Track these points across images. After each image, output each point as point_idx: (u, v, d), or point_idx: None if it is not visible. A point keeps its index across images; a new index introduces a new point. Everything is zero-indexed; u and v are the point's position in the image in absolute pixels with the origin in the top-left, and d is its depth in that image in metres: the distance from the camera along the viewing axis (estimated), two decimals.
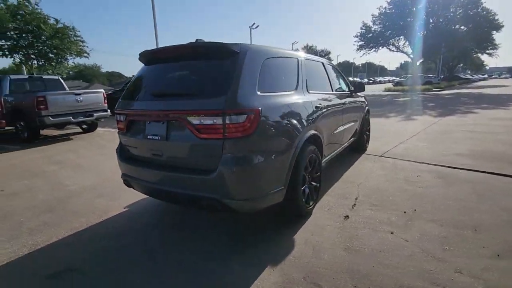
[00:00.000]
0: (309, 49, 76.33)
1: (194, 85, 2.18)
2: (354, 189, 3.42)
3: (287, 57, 2.78)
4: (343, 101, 3.81)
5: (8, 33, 15.59)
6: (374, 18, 31.63)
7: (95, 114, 7.98)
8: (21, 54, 17.37)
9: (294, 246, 2.30)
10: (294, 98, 2.54)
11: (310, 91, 2.93)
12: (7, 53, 16.87)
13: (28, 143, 7.32)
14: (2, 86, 8.02)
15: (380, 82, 58.35)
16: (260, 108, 2.04)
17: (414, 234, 2.41)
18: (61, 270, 2.11)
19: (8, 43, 15.89)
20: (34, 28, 15.55)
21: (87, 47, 18.42)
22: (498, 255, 2.08)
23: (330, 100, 3.38)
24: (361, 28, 32.96)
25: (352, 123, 4.30)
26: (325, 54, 76.57)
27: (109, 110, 8.31)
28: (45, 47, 16.65)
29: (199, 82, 2.17)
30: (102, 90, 8.59)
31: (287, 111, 2.36)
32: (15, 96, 7.78)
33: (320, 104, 2.97)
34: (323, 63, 3.64)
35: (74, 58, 18.44)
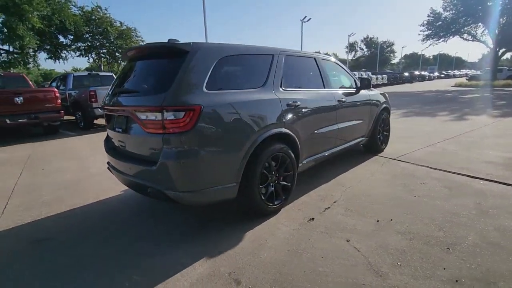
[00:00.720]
0: (369, 41, 71.26)
1: (147, 83, 2.35)
2: (339, 192, 3.24)
3: (255, 54, 2.77)
4: (340, 98, 3.60)
5: (84, 36, 18.15)
6: (445, 4, 27.84)
7: None
8: (94, 53, 20.07)
9: (240, 242, 2.33)
10: (255, 96, 2.53)
11: (285, 89, 2.87)
12: (83, 53, 19.71)
13: (84, 131, 8.55)
14: (67, 82, 9.51)
15: (454, 76, 51.48)
16: (201, 105, 2.11)
17: (372, 244, 2.23)
18: (43, 238, 2.54)
19: (84, 44, 18.52)
20: (104, 30, 17.80)
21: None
22: (456, 281, 1.81)
23: (316, 98, 3.25)
24: (428, 16, 29.36)
25: (357, 122, 4.02)
26: (387, 45, 70.65)
27: None
28: (113, 47, 18.94)
29: (151, 80, 2.33)
30: None
31: (241, 109, 2.37)
32: (76, 91, 9.16)
33: (297, 102, 2.88)
34: (315, 59, 3.48)
35: None
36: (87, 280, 1.97)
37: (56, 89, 7.89)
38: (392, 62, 78.92)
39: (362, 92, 4.18)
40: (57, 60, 18.89)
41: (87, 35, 18.51)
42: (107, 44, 19.28)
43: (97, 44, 19.23)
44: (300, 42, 32.33)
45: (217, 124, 2.23)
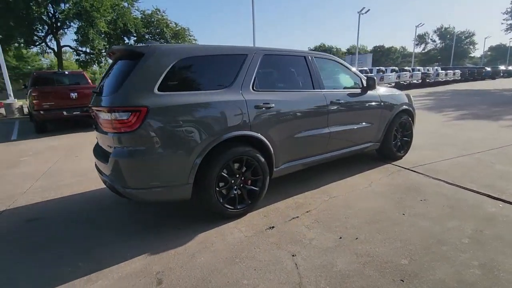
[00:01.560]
0: (443, 31, 63.15)
1: (108, 84, 2.49)
2: (319, 201, 3.01)
3: (223, 54, 2.71)
4: (334, 100, 3.30)
5: (145, 37, 20.02)
6: None
7: None
8: None
9: (188, 242, 2.35)
10: (215, 97, 2.48)
11: (257, 89, 2.76)
12: None
13: None
14: None
15: None
16: (148, 106, 2.18)
17: (316, 263, 2.03)
18: (34, 218, 2.94)
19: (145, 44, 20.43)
20: (161, 31, 19.37)
21: (198, 43, 21.64)
22: None
23: (299, 99, 3.04)
24: None
25: (360, 125, 3.65)
26: (466, 36, 61.72)
27: None
28: None
29: (111, 81, 2.46)
30: None
31: (195, 110, 2.37)
32: None
33: (269, 103, 2.75)
34: (306, 58, 3.24)
35: None
36: (44, 259, 2.22)
37: None
38: (472, 55, 68.48)
39: (370, 93, 3.76)
40: None
41: (147, 36, 20.36)
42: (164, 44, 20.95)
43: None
44: (357, 36, 30.36)
45: (166, 125, 2.27)
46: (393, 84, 20.33)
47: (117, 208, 3.11)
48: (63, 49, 18.15)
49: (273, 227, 2.55)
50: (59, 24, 14.85)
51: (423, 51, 67.32)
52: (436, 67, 30.26)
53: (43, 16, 14.23)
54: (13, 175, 4.46)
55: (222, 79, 2.63)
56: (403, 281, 1.82)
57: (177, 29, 20.10)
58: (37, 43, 16.27)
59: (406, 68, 25.79)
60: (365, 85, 3.69)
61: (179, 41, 20.25)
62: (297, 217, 2.71)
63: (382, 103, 3.87)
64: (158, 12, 19.58)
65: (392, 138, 4.09)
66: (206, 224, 2.62)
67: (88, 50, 18.96)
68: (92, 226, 2.73)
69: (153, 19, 19.06)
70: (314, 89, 3.23)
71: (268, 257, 2.12)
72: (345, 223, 2.55)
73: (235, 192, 2.67)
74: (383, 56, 63.42)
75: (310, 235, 2.39)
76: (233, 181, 2.65)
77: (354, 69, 3.73)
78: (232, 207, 2.66)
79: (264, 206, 2.95)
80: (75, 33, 15.18)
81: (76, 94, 8.04)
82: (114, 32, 16.86)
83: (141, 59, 2.30)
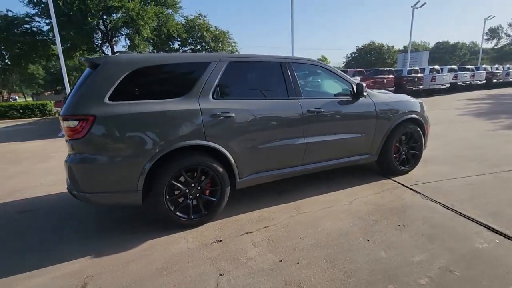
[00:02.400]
0: None
1: (71, 93, 2.63)
2: (283, 217, 2.82)
3: (182, 63, 2.70)
4: (313, 108, 3.07)
5: (188, 40, 21.11)
6: None
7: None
8: None
9: (133, 249, 2.40)
10: (168, 106, 2.48)
11: (218, 98, 2.69)
12: None
13: None
14: None
15: None
16: (95, 115, 2.28)
17: (239, 286, 1.90)
18: (28, 209, 3.29)
19: (187, 48, 21.55)
20: (202, 35, 20.22)
21: (237, 46, 22.05)
22: None
23: (267, 108, 2.89)
24: None
25: (349, 136, 3.33)
26: None
27: None
28: (209, 50, 21.30)
29: (73, 91, 2.59)
30: (359, 78, 12.40)
31: (145, 119, 2.40)
32: None
33: (229, 112, 2.66)
34: (282, 64, 3.05)
35: None
36: (4, 249, 2.47)
37: None
38: None
39: (362, 100, 3.41)
40: None
41: (190, 40, 21.43)
42: (207, 48, 21.78)
43: (199, 47, 22.03)
44: (410, 32, 27.87)
45: (114, 133, 2.35)
46: (448, 85, 18.23)
47: (85, 210, 3.28)
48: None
49: (220, 241, 2.47)
50: (113, 33, 16.50)
51: (495, 47, 58.86)
52: (508, 65, 26.16)
53: (100, 26, 15.94)
54: (38, 169, 5.08)
55: (179, 88, 2.63)
56: None
57: (217, 32, 20.77)
58: (96, 49, 18.29)
59: (469, 66, 22.83)
60: (355, 92, 3.36)
61: (219, 44, 20.90)
62: (251, 232, 2.59)
63: (378, 112, 3.47)
64: (200, 17, 20.49)
65: (392, 150, 3.65)
66: (161, 231, 2.64)
67: None
68: (63, 223, 2.96)
69: (194, 24, 19.98)
70: (288, 97, 3.03)
71: (196, 273, 2.06)
72: (296, 244, 2.35)
73: (189, 201, 2.65)
74: (446, 54, 57.17)
75: (251, 254, 2.25)
76: (187, 190, 2.63)
77: (343, 75, 3.41)
78: (186, 216, 2.64)
79: (226, 217, 2.87)
80: (125, 40, 16.77)
81: None
82: (158, 38, 18.10)
83: (95, 70, 2.42)
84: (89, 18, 13.59)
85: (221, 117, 2.65)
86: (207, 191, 2.76)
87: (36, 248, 2.50)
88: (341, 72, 3.44)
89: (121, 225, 2.86)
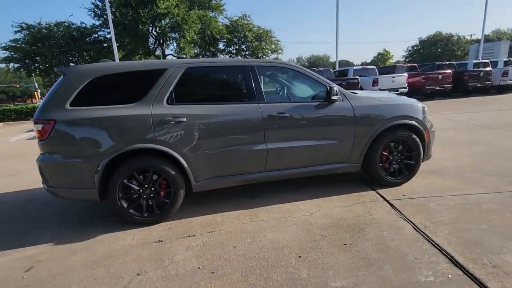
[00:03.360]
0: None
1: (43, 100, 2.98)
2: (233, 223, 2.79)
3: (139, 70, 2.84)
4: (275, 113, 2.95)
5: (233, 41, 21.78)
6: None
7: (400, 90, 12.11)
8: (240, 55, 23.69)
9: (83, 241, 2.65)
10: (120, 111, 2.66)
11: (172, 103, 2.79)
12: (234, 55, 23.68)
13: None
14: (348, 73, 13.28)
15: None
16: (55, 120, 2.57)
17: (149, 285, 1.98)
18: (34, 198, 3.85)
19: (232, 48, 22.25)
20: (244, 35, 20.65)
21: (280, 44, 21.92)
22: None
23: (223, 113, 2.87)
24: None
25: (317, 142, 3.12)
26: None
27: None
28: (252, 49, 21.66)
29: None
30: (405, 74, 12.85)
31: (99, 124, 2.62)
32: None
33: (180, 117, 2.73)
34: (244, 68, 2.97)
35: (269, 55, 22.62)
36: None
37: None
38: None
39: (338, 104, 3.13)
40: None
41: (235, 40, 22.08)
42: (252, 47, 22.21)
43: (243, 47, 22.57)
44: (483, 20, 24.13)
45: (72, 136, 2.62)
46: None
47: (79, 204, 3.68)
48: (168, 57, 21.85)
49: (161, 241, 2.57)
50: (163, 37, 18.02)
51: None
52: None
53: (152, 32, 17.56)
54: None
55: (136, 94, 2.78)
56: None
57: (260, 32, 20.97)
58: (150, 54, 20.21)
59: None
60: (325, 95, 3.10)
61: (262, 43, 21.07)
62: (194, 235, 2.63)
63: (357, 117, 3.16)
64: (244, 17, 20.94)
65: (377, 159, 3.29)
66: (119, 226, 2.86)
67: (187, 57, 22.25)
68: (48, 212, 3.39)
69: (238, 24, 20.50)
70: (249, 101, 2.97)
71: (118, 270, 2.20)
72: (225, 253, 2.32)
73: (143, 201, 2.81)
74: None
75: (178, 258, 2.30)
76: (141, 190, 2.79)
77: (317, 77, 3.18)
78: (139, 215, 2.81)
79: (183, 217, 2.96)
80: (172, 43, 18.16)
81: None
82: (203, 40, 19.08)
83: (61, 79, 2.73)
84: (140, 26, 15.03)
85: (172, 122, 2.74)
86: (162, 193, 2.88)
87: (15, 232, 2.93)
88: (315, 74, 3.22)
89: (94, 219, 3.15)
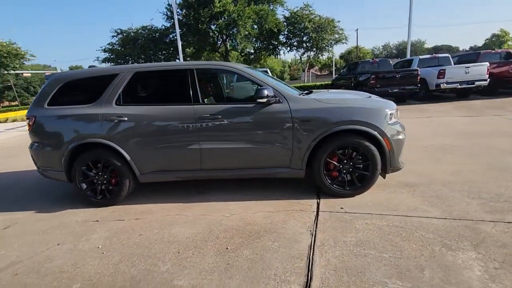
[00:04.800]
0: None
1: None
2: (157, 216, 3.07)
3: (97, 76, 3.32)
4: (206, 114, 3.06)
5: (294, 32, 21.39)
6: None
7: (476, 83, 10.33)
8: (303, 48, 23.11)
9: (51, 212, 3.33)
10: (78, 111, 3.21)
11: (120, 104, 3.20)
12: (296, 48, 23.31)
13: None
14: (412, 64, 12.15)
15: None
16: (35, 116, 3.30)
17: (60, 253, 2.47)
18: (37, 182, 4.89)
19: (293, 40, 21.86)
20: (304, 26, 20.00)
21: (344, 33, 20.40)
22: None
23: (158, 113, 3.14)
24: None
25: (250, 145, 3.09)
26: None
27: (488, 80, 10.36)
28: (312, 40, 20.82)
29: None
30: (486, 64, 10.42)
31: (62, 120, 3.23)
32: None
33: (122, 117, 3.12)
34: (184, 71, 3.16)
35: (331, 46, 21.35)
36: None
37: None
38: None
39: (275, 106, 3.01)
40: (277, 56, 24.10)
41: (297, 32, 21.58)
42: (312, 39, 21.42)
43: (305, 38, 21.91)
44: None
45: (46, 129, 3.31)
46: None
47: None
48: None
49: (98, 221, 3.05)
50: (223, 34, 19.08)
51: None
52: None
53: (213, 30, 18.82)
54: None
55: (93, 96, 3.30)
56: None
57: (321, 21, 19.98)
58: (214, 51, 21.70)
59: None
60: (267, 96, 3.01)
61: (322, 34, 20.06)
62: (123, 220, 3.02)
63: (295, 120, 2.99)
64: (306, 7, 20.25)
65: (320, 166, 3.05)
66: (84, 205, 3.47)
67: (249, 51, 23.05)
68: (45, 188, 4.28)
69: (297, 15, 19.98)
70: (184, 103, 3.15)
71: (50, 239, 2.74)
72: (128, 239, 2.63)
73: (98, 186, 3.35)
74: None
75: (94, 237, 2.72)
76: (96, 177, 3.34)
77: (260, 79, 3.09)
78: (94, 196, 3.37)
79: (129, 204, 3.38)
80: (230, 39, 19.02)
81: None
82: (261, 34, 19.35)
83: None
84: (199, 25, 16.31)
85: (116, 121, 3.16)
86: (113, 180, 3.37)
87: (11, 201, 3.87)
88: (258, 76, 3.16)
89: (69, 197, 3.81)
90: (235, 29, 17.48)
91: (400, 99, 11.60)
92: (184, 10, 16.59)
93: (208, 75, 3.37)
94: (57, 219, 3.18)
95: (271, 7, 18.48)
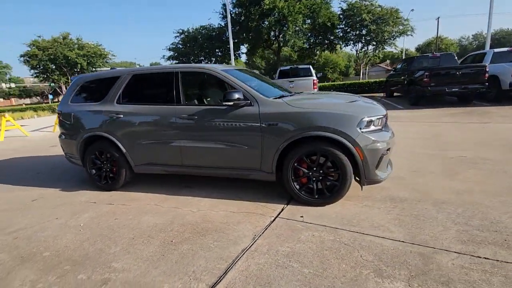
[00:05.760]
0: None
1: None
2: (140, 203, 3.42)
3: (105, 77, 3.80)
4: (185, 114, 3.29)
5: (355, 26, 20.15)
6: None
7: None
8: (362, 42, 21.61)
9: (66, 191, 4.02)
10: (89, 108, 3.78)
11: (120, 103, 3.66)
12: (354, 42, 21.96)
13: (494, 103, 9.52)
14: (486, 58, 10.15)
15: None
16: (61, 111, 4.00)
17: (54, 227, 3.03)
18: (42, 170, 5.77)
19: (351, 34, 20.59)
20: (362, 18, 18.59)
21: (410, 25, 18.27)
22: None
23: (147, 112, 3.50)
24: None
25: (221, 146, 3.21)
26: None
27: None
28: (371, 33, 19.24)
29: None
30: None
31: (78, 115, 3.85)
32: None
33: (119, 114, 3.57)
34: (170, 74, 3.41)
35: (394, 38, 19.32)
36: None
37: None
38: None
39: (245, 109, 3.05)
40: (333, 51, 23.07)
41: (357, 25, 20.25)
42: (371, 32, 19.86)
43: (364, 32, 20.42)
44: None
45: (67, 122, 3.99)
46: None
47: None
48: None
49: (95, 203, 3.56)
50: (275, 31, 19.10)
51: None
52: None
53: (265, 27, 18.98)
54: None
55: (102, 95, 3.83)
56: None
57: (382, 13, 18.32)
58: (266, 47, 21.90)
59: None
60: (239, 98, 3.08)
61: (383, 26, 18.38)
62: (113, 204, 3.47)
63: (263, 124, 2.99)
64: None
65: (288, 172, 3.00)
66: (92, 188, 4.07)
67: (302, 46, 22.62)
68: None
69: (354, 7, 18.70)
70: (169, 103, 3.43)
71: (54, 214, 3.33)
72: (106, 221, 3.03)
73: (103, 172, 3.90)
74: None
75: (84, 216, 3.20)
76: (102, 165, 3.89)
77: (235, 82, 3.14)
78: (99, 181, 3.93)
79: (126, 191, 3.84)
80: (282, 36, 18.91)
81: None
82: (314, 29, 18.72)
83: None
84: (249, 23, 16.67)
85: (115, 117, 3.63)
86: (114, 169, 3.87)
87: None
88: (233, 79, 3.21)
89: (88, 181, 4.51)
90: (285, 25, 17.35)
91: (463, 100, 10.19)
92: (237, 9, 17.21)
93: (190, 78, 3.59)
94: (69, 198, 3.82)
95: (325, 0, 17.72)
